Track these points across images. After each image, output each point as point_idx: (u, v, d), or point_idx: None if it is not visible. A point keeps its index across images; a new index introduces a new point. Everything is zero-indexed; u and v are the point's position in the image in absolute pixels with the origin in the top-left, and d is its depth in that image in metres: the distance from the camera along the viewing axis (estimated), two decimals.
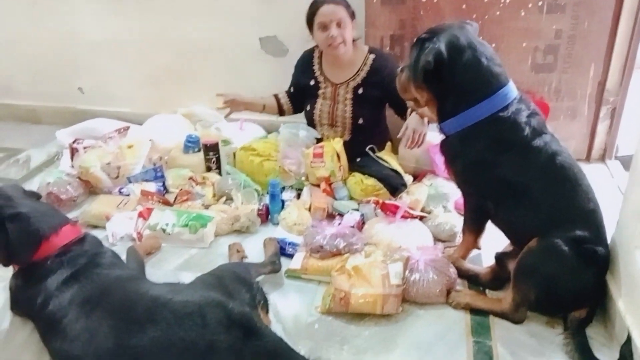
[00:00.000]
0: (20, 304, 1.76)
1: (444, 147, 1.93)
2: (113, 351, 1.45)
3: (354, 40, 2.52)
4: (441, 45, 1.71)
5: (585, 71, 2.70)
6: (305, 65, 2.66)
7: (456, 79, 1.75)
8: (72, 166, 2.73)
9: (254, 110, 2.77)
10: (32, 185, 2.70)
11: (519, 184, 1.75)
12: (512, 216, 1.82)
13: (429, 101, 1.88)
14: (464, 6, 2.66)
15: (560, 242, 1.66)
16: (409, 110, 2.40)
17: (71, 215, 2.48)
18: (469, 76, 1.74)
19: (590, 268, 1.68)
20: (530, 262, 1.71)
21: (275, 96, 2.77)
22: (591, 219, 1.73)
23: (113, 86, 3.49)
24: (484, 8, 2.65)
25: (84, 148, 2.70)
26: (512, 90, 1.77)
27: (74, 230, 1.79)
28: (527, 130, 1.73)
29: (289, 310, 1.91)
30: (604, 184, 2.64)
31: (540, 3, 2.59)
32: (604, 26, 2.60)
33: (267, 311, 1.74)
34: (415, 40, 1.85)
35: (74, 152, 2.76)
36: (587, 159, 2.90)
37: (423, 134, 2.30)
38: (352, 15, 2.45)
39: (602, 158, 2.90)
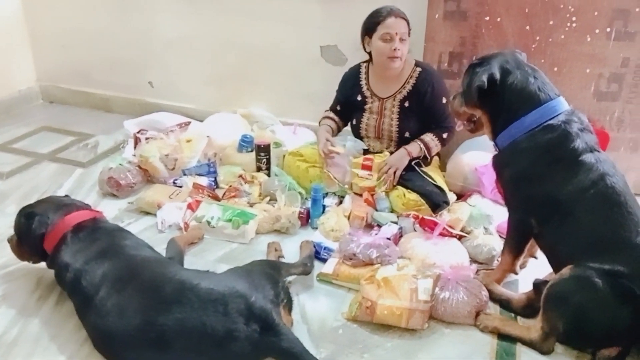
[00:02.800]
0: (59, 279, 1.90)
1: (496, 159, 1.96)
2: (141, 327, 1.55)
3: None
4: (493, 67, 1.84)
5: None
6: (352, 82, 2.66)
7: (506, 96, 1.84)
8: (134, 155, 2.91)
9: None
10: (96, 170, 2.91)
11: (563, 201, 1.73)
12: (554, 238, 1.80)
13: (482, 120, 1.97)
14: (527, 27, 2.62)
15: (593, 273, 1.61)
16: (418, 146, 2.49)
17: (127, 200, 2.67)
18: (518, 92, 1.83)
19: (626, 307, 1.61)
20: (560, 290, 1.67)
21: (331, 119, 2.76)
22: (636, 254, 1.65)
23: (180, 83, 3.68)
24: (549, 30, 2.59)
25: (146, 139, 2.88)
26: (562, 103, 1.82)
27: (88, 213, 1.97)
28: (578, 142, 1.74)
29: (316, 312, 1.95)
30: None
31: (608, 29, 2.52)
32: None
33: (289, 311, 1.79)
34: (468, 66, 1.96)
35: (137, 141, 2.95)
36: None
37: (397, 170, 2.43)
38: (410, 32, 2.48)
39: None
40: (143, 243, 1.94)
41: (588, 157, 1.73)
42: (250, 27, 3.33)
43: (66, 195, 2.20)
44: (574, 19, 2.54)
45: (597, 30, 2.53)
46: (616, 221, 1.68)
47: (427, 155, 2.55)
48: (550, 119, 1.78)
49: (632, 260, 1.64)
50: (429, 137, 2.53)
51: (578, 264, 1.66)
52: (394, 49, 2.41)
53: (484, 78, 1.82)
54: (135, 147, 2.94)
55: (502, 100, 1.85)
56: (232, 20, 3.35)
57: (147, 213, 2.55)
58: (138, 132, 3.00)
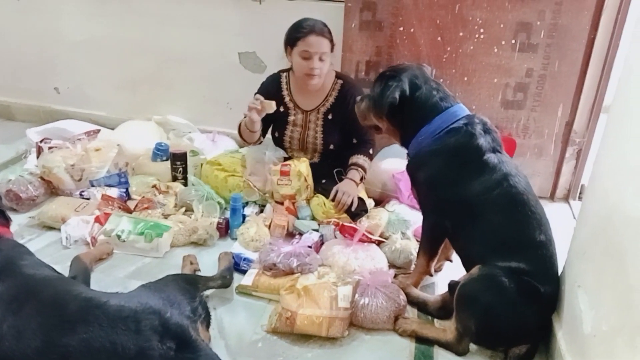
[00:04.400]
0: None
1: (408, 165, 2.01)
2: (42, 349, 1.41)
3: None
4: (404, 83, 1.90)
5: (553, 111, 2.75)
6: (273, 91, 2.59)
7: (413, 108, 1.90)
8: (37, 165, 2.70)
9: (256, 127, 2.49)
10: None
11: (470, 201, 1.79)
12: (465, 238, 1.86)
13: (389, 129, 2.02)
14: (439, 38, 2.71)
15: (500, 272, 1.67)
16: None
17: (28, 215, 2.46)
18: (423, 104, 1.90)
19: (532, 305, 1.68)
20: (470, 290, 1.72)
21: None
22: (539, 251, 1.73)
23: (90, 88, 3.48)
24: (459, 42, 2.70)
25: (49, 148, 2.68)
26: (462, 108, 1.92)
27: None
28: (482, 141, 1.81)
29: (234, 326, 1.89)
30: (566, 224, 2.66)
31: (513, 41, 2.65)
32: (574, 68, 2.65)
33: (207, 326, 1.70)
34: (378, 76, 2.01)
35: (40, 151, 2.74)
36: (552, 197, 2.94)
37: (351, 196, 2.38)
38: (332, 48, 2.45)
39: (566, 198, 2.93)
40: (42, 263, 1.75)
41: (491, 158, 1.80)
42: (165, 31, 3.21)
43: None
44: (481, 30, 2.65)
45: (503, 42, 2.66)
46: (520, 220, 1.75)
47: (364, 176, 2.55)
48: (453, 123, 1.86)
49: (535, 258, 1.72)
50: (361, 160, 2.52)
51: (486, 263, 1.72)
52: (311, 68, 2.39)
53: (397, 95, 1.88)
54: (37, 157, 2.73)
55: (408, 113, 1.91)
56: (145, 24, 3.22)
57: (51, 228, 2.37)
58: (41, 141, 2.79)
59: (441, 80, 2.73)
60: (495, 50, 2.69)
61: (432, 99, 1.89)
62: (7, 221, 1.91)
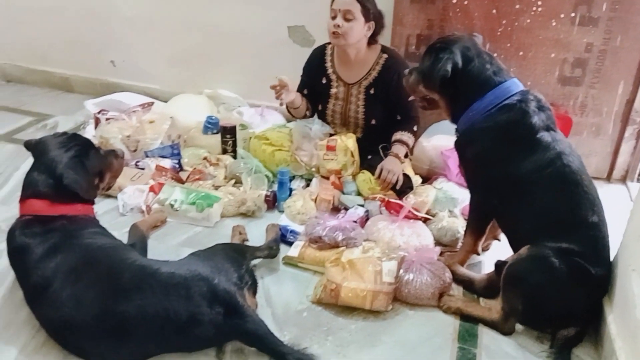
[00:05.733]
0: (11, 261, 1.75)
1: (457, 142, 1.97)
2: (99, 316, 1.50)
3: (370, 43, 2.50)
4: (456, 55, 1.83)
5: (613, 88, 2.62)
6: (317, 62, 2.61)
7: (465, 82, 1.84)
8: (95, 136, 2.81)
9: (295, 103, 2.61)
10: None
11: (521, 180, 1.75)
12: (514, 217, 1.83)
13: (440, 102, 1.97)
14: (494, 11, 2.62)
15: (550, 252, 1.63)
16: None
17: None
18: (476, 78, 1.84)
19: (582, 287, 1.64)
20: (518, 270, 1.69)
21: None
22: (591, 232, 1.69)
23: (144, 62, 3.57)
24: (515, 15, 2.60)
25: (107, 119, 2.79)
26: (516, 84, 1.84)
27: (58, 209, 1.70)
28: (535, 119, 1.75)
29: (280, 296, 1.94)
30: (622, 206, 2.56)
31: (572, 14, 2.54)
32: (637, 44, 2.52)
33: (254, 293, 1.76)
34: (428, 48, 1.95)
35: (97, 122, 2.85)
36: (608, 178, 2.83)
37: (396, 174, 2.36)
38: (369, 17, 2.38)
39: (624, 179, 2.82)
40: (102, 232, 1.80)
41: (545, 136, 1.74)
42: (215, 6, 3.24)
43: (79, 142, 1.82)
44: (539, 3, 2.54)
45: (562, 15, 2.55)
46: (572, 200, 1.70)
47: (409, 153, 2.54)
48: (506, 99, 1.79)
49: (587, 239, 1.68)
50: (406, 136, 2.49)
51: (536, 243, 1.68)
52: (333, 25, 2.36)
53: (449, 67, 1.81)
54: (95, 128, 2.84)
55: (460, 86, 1.85)
56: None
57: (108, 196, 2.46)
58: (99, 113, 2.91)
59: (495, 54, 2.64)
60: (554, 23, 2.58)
61: (485, 73, 1.83)
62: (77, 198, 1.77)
